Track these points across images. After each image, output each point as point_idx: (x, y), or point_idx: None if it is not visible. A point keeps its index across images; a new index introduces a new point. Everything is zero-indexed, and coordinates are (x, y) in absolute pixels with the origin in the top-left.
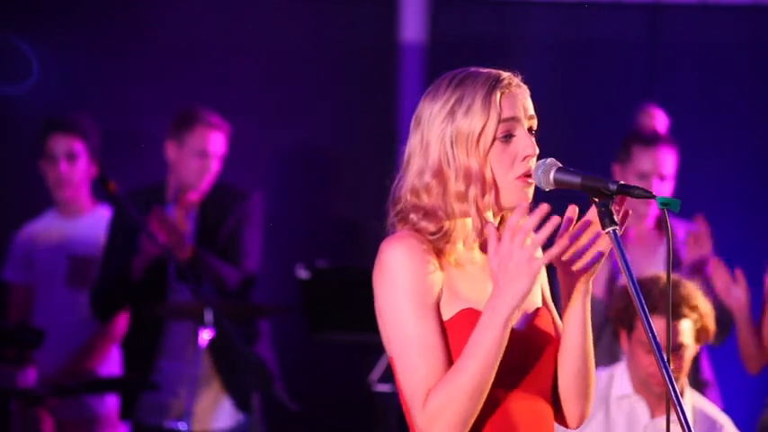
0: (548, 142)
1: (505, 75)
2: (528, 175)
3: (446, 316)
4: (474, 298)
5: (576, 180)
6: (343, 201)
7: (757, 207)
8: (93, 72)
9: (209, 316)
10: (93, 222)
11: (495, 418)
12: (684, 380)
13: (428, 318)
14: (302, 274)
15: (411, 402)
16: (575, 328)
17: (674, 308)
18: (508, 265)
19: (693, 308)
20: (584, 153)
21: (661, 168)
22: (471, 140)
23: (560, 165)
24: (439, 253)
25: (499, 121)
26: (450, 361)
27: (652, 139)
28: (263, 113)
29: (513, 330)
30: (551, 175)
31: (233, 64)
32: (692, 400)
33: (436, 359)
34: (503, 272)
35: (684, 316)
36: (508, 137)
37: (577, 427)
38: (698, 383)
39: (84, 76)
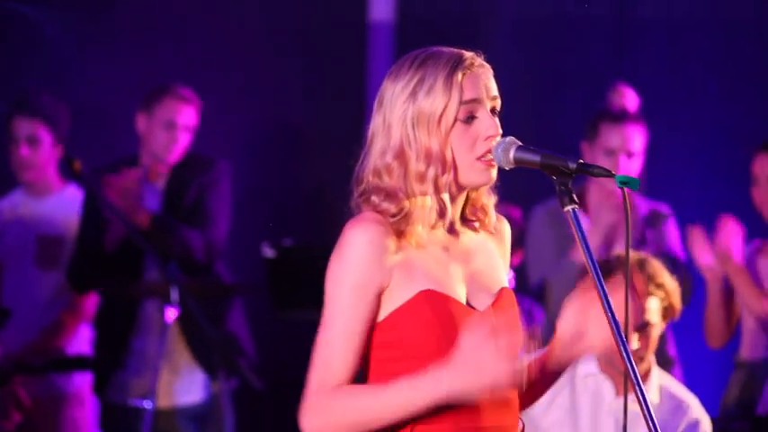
0: (516, 119)
1: (468, 54)
2: (490, 156)
3: (405, 297)
4: (434, 279)
5: (536, 159)
6: (310, 179)
7: (726, 184)
8: (57, 45)
9: (174, 294)
10: (61, 202)
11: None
12: (651, 358)
13: (362, 305)
14: (268, 252)
15: (312, 376)
16: (553, 377)
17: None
18: (477, 358)
19: (659, 286)
20: (552, 130)
21: (628, 145)
22: (432, 121)
23: (520, 143)
24: (400, 234)
25: (461, 103)
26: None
27: (619, 116)
28: (233, 90)
29: (476, 312)
30: (511, 154)
31: (203, 39)
32: (658, 380)
33: (353, 347)
34: (468, 359)
35: (650, 294)
36: (470, 118)
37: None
38: (664, 361)
39: (49, 50)
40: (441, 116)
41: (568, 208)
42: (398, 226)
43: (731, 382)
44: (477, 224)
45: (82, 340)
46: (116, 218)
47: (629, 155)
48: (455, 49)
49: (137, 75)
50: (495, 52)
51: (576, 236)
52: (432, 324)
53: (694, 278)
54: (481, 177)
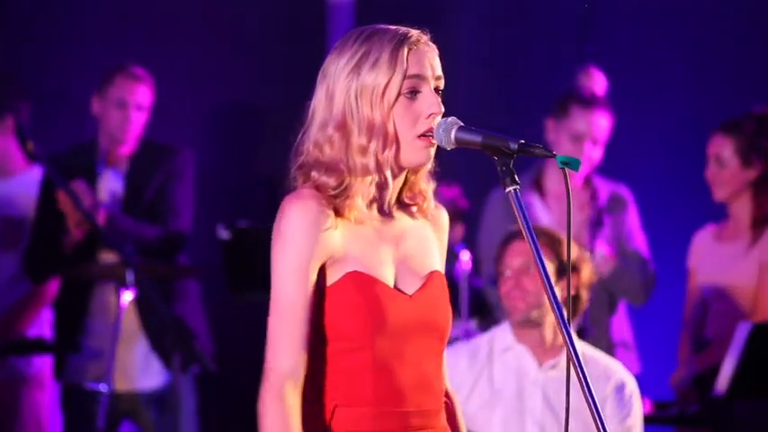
0: (479, 102)
1: (414, 32)
2: (431, 134)
3: (334, 277)
4: (363, 260)
5: (477, 139)
6: (266, 160)
7: (692, 167)
8: (20, 32)
9: (130, 276)
10: (24, 183)
11: (381, 381)
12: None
13: (305, 286)
14: (223, 234)
15: (267, 357)
16: None
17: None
18: None
19: (550, 236)
20: (517, 114)
21: (596, 132)
22: (376, 94)
23: (462, 124)
24: (338, 210)
25: (404, 77)
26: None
27: (590, 101)
28: (190, 72)
29: (404, 295)
30: (452, 134)
31: (161, 21)
32: (579, 348)
33: (300, 325)
34: None
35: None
36: (413, 93)
37: None
38: (613, 345)
39: (12, 36)
40: (384, 89)
41: (510, 189)
42: (337, 200)
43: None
44: (414, 209)
45: (42, 322)
46: (74, 203)
47: (595, 142)
48: (401, 27)
49: (96, 58)
50: (459, 34)
51: (518, 217)
52: (358, 306)
53: (655, 270)
54: (420, 155)
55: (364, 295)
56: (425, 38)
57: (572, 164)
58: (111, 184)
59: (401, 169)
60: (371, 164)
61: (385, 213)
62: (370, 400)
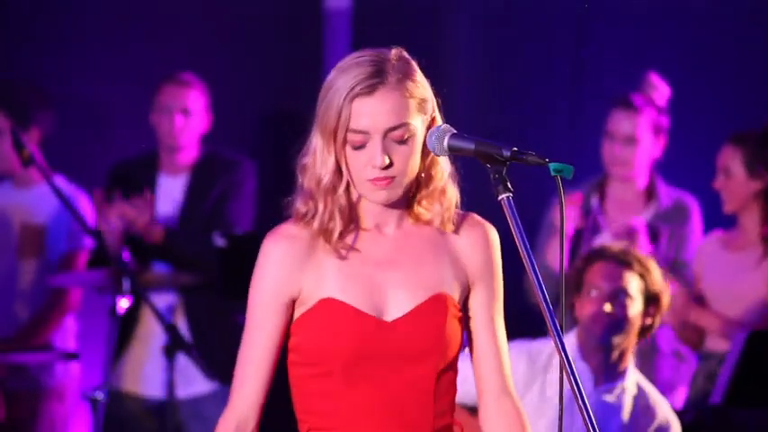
0: (475, 108)
1: (373, 77)
2: (378, 180)
3: (308, 305)
4: (339, 287)
5: (470, 146)
6: (264, 166)
7: (684, 172)
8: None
9: (126, 284)
10: (45, 191)
11: (351, 407)
12: (630, 355)
13: (272, 320)
14: (219, 242)
15: (232, 387)
16: None
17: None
18: None
19: (641, 264)
20: (512, 120)
21: (635, 131)
22: (327, 133)
23: (454, 131)
24: (315, 238)
25: (348, 130)
26: (269, 370)
27: (629, 103)
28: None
29: (380, 321)
30: (445, 142)
31: (160, 22)
32: (635, 376)
33: (264, 362)
34: None
35: (630, 266)
36: (358, 147)
37: None
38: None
39: (12, 37)
40: (334, 130)
41: (502, 196)
42: (313, 227)
43: (696, 375)
44: (430, 217)
45: (67, 333)
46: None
47: (635, 142)
48: (373, 60)
49: (96, 59)
50: (455, 39)
51: (511, 225)
52: (325, 332)
53: None
54: (373, 196)
55: (333, 321)
56: (391, 79)
57: (565, 171)
58: (171, 194)
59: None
60: (322, 197)
61: (380, 232)
62: (339, 424)
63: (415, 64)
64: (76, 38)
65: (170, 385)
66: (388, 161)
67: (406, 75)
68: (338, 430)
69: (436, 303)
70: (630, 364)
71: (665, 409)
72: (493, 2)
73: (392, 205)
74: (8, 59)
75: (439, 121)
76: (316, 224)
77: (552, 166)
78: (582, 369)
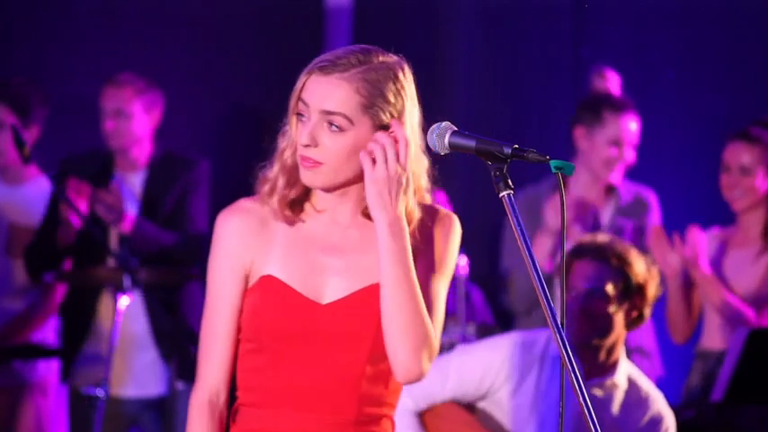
0: (474, 106)
1: (335, 60)
2: (305, 159)
3: (252, 280)
4: (281, 266)
5: (471, 144)
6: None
7: (682, 171)
8: (18, 34)
9: (127, 281)
10: (34, 190)
11: (281, 384)
12: (621, 348)
13: (227, 292)
14: None
15: (197, 366)
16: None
17: (600, 251)
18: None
19: (620, 258)
20: (511, 118)
21: (630, 135)
22: (292, 105)
23: (455, 128)
24: (268, 215)
25: (298, 98)
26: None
27: (623, 105)
28: (189, 76)
29: (315, 303)
30: (446, 139)
31: (160, 29)
32: (627, 369)
33: (224, 335)
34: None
35: (608, 262)
36: (299, 117)
37: (405, 382)
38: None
39: (10, 38)
40: (294, 102)
41: (503, 193)
42: (271, 205)
43: (692, 372)
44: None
45: (46, 328)
46: (73, 212)
47: (631, 145)
48: (349, 51)
49: (94, 63)
50: (454, 38)
51: (512, 222)
52: (260, 309)
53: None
54: (301, 175)
55: (268, 299)
56: (350, 72)
57: (566, 169)
58: (125, 192)
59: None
60: (282, 170)
61: (333, 222)
62: (266, 401)
63: (402, 77)
64: (76, 38)
65: (172, 385)
66: (310, 142)
67: (371, 77)
68: (263, 407)
69: (373, 293)
70: (622, 358)
71: (659, 403)
72: (493, 2)
73: (344, 194)
74: (9, 58)
75: (406, 133)
76: (275, 197)
77: (553, 163)
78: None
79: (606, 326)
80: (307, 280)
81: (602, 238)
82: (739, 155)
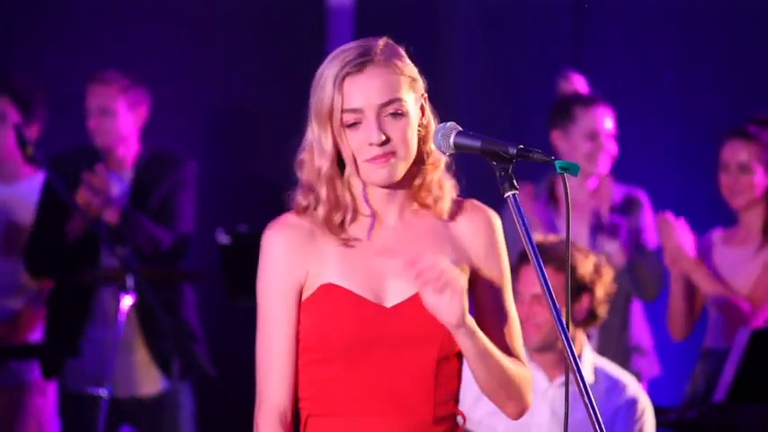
0: (475, 106)
1: (361, 56)
2: (377, 158)
3: (310, 291)
4: (340, 272)
5: (476, 144)
6: (266, 165)
7: (683, 171)
8: (16, 34)
9: (130, 281)
10: (31, 188)
11: (351, 392)
12: (582, 338)
13: (284, 310)
14: (222, 239)
15: (257, 388)
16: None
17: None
18: None
19: (561, 259)
20: (511, 118)
21: (607, 126)
22: (323, 119)
23: (460, 128)
24: (315, 227)
25: (342, 111)
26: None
27: (591, 99)
28: (190, 75)
29: (380, 307)
30: (451, 140)
31: (159, 27)
32: (592, 360)
33: (286, 353)
34: None
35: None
36: (353, 125)
37: (516, 418)
38: (630, 351)
39: (9, 37)
40: (329, 115)
41: (508, 194)
42: (315, 219)
43: (696, 371)
44: (430, 205)
45: (38, 328)
46: (75, 208)
47: (608, 135)
48: (360, 45)
49: (93, 61)
50: (454, 38)
51: (517, 222)
52: (326, 317)
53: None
54: (373, 176)
55: (333, 307)
56: (378, 58)
57: (571, 169)
58: (113, 189)
59: (366, 184)
60: (324, 186)
61: (381, 223)
62: (340, 410)
63: (403, 51)
64: (76, 38)
65: (173, 384)
66: (384, 137)
67: (394, 54)
68: (338, 416)
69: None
70: (585, 351)
71: (631, 386)
72: (493, 2)
73: (392, 195)
74: (9, 58)
75: (428, 108)
76: (320, 212)
77: (558, 163)
78: (532, 368)
79: (551, 330)
80: (367, 284)
81: (551, 240)
82: (737, 153)
